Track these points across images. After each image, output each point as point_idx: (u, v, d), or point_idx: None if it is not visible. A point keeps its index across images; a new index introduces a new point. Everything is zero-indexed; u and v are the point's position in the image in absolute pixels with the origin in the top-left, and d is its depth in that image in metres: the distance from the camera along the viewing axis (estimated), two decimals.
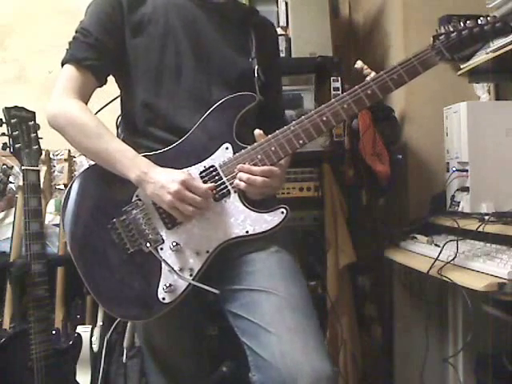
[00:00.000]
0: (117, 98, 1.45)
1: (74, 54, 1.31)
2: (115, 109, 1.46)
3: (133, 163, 1.22)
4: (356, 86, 1.24)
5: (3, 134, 1.79)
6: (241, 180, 1.23)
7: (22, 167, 1.79)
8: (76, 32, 1.33)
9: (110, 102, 1.50)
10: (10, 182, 2.26)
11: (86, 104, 1.31)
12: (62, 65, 1.32)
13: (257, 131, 1.26)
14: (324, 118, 1.24)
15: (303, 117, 1.25)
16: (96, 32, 1.30)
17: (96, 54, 1.30)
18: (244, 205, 1.24)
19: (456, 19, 1.90)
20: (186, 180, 1.19)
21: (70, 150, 2.39)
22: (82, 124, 1.26)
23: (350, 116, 1.26)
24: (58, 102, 1.29)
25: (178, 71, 1.31)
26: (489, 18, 1.23)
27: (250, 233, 1.23)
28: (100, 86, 1.35)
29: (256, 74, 1.35)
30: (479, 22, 1.23)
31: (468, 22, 1.20)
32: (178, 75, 1.31)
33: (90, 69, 1.30)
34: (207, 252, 1.23)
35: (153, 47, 1.31)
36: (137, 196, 1.25)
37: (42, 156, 1.91)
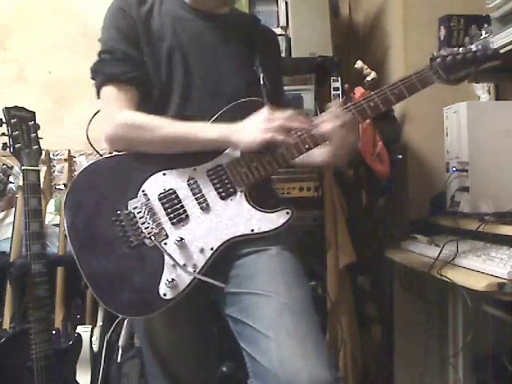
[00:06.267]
0: None
1: (109, 73, 1.29)
2: None
3: (211, 126, 1.26)
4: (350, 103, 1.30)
5: (3, 134, 1.79)
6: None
7: (22, 167, 1.79)
8: (100, 53, 1.32)
9: None
10: (10, 182, 2.26)
11: None
12: (99, 88, 1.31)
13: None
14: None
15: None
16: (121, 46, 1.30)
17: (129, 66, 1.29)
18: (250, 204, 1.26)
19: (456, 19, 1.92)
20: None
21: (69, 150, 2.39)
22: (146, 122, 1.26)
23: None
24: (110, 123, 1.27)
25: (186, 85, 1.33)
26: (480, 46, 1.36)
27: (255, 231, 1.24)
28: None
29: (262, 82, 1.36)
30: (473, 48, 1.34)
31: (461, 48, 1.33)
32: (187, 89, 1.33)
33: (129, 82, 1.29)
34: (211, 249, 1.23)
35: (161, 62, 1.32)
36: (143, 191, 1.25)
37: (42, 156, 1.91)
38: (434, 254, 1.58)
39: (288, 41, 2.18)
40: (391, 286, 2.14)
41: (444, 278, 1.45)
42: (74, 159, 2.41)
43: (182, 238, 1.23)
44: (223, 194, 1.26)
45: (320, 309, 1.97)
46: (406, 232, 1.96)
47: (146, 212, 1.24)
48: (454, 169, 1.81)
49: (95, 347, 2.06)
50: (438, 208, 1.91)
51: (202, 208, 1.25)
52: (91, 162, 1.31)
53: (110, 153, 1.33)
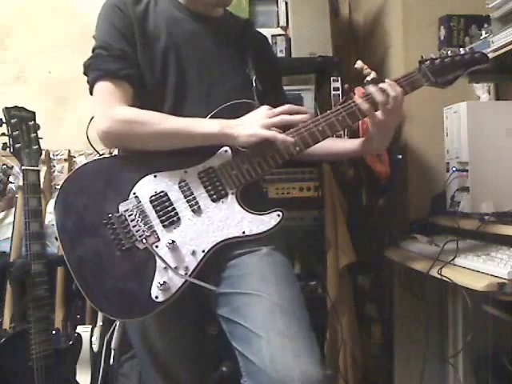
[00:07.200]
0: None
1: (104, 68, 1.28)
2: None
3: (210, 121, 1.26)
4: (349, 101, 1.31)
5: (3, 134, 1.79)
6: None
7: (22, 167, 1.79)
8: (95, 49, 1.31)
9: None
10: (10, 182, 2.26)
11: None
12: (93, 83, 1.29)
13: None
14: (320, 128, 1.27)
15: (300, 125, 1.27)
16: (117, 43, 1.29)
17: (125, 63, 1.29)
18: (241, 206, 1.26)
19: (456, 19, 1.92)
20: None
21: (69, 150, 2.39)
22: (143, 117, 1.25)
23: (344, 127, 1.31)
24: (105, 119, 1.25)
25: (180, 86, 1.33)
26: (468, 49, 1.39)
27: (246, 233, 1.24)
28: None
29: (254, 84, 1.37)
30: (461, 51, 1.37)
31: (450, 51, 1.36)
32: (181, 89, 1.33)
33: (125, 78, 1.28)
34: (203, 251, 1.23)
35: (156, 62, 1.32)
36: (134, 193, 1.25)
37: (42, 156, 1.91)
38: (434, 254, 1.58)
39: (288, 41, 2.18)
40: (391, 286, 2.14)
41: (444, 278, 1.45)
42: (74, 159, 2.41)
43: (173, 241, 1.23)
44: (214, 196, 1.26)
45: (320, 309, 1.97)
46: (405, 232, 1.96)
47: (138, 215, 1.24)
48: (454, 169, 1.81)
49: (95, 347, 2.06)
50: (438, 208, 1.91)
51: (193, 210, 1.25)
52: (81, 164, 1.30)
53: (110, 153, 1.32)
